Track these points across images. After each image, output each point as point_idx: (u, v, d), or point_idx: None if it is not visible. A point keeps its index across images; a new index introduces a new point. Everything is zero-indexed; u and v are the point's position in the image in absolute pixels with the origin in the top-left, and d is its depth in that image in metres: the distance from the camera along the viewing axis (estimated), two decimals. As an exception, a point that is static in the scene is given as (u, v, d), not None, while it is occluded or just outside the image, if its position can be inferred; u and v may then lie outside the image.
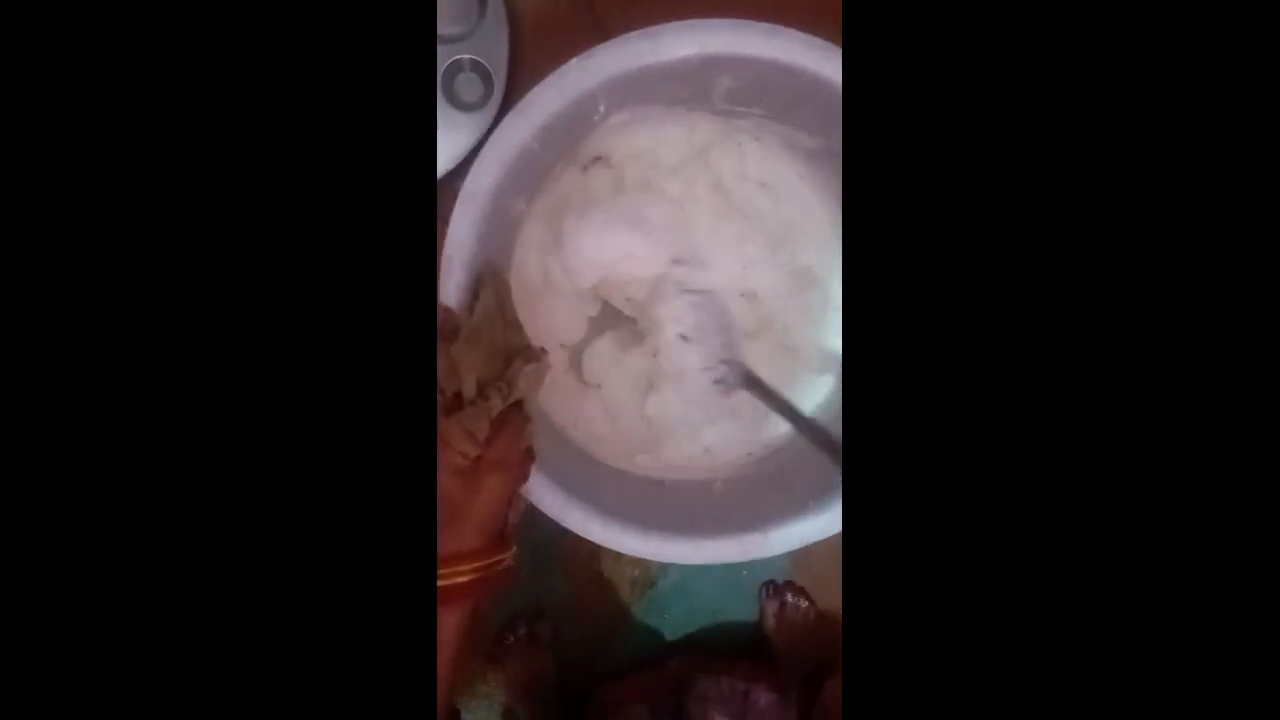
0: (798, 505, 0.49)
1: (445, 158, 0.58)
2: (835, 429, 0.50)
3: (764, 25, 0.43)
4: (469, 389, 0.39)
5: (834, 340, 0.55)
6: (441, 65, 0.58)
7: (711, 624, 0.77)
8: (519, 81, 0.60)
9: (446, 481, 0.37)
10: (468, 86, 0.60)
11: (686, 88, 0.46)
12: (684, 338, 0.53)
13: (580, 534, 0.48)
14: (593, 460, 0.53)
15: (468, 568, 0.35)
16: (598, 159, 0.52)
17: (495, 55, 0.59)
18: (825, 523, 0.49)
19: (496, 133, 0.43)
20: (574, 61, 0.42)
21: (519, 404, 0.41)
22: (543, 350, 0.44)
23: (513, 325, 0.43)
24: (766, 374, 0.53)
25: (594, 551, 0.74)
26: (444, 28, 0.58)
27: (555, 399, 0.53)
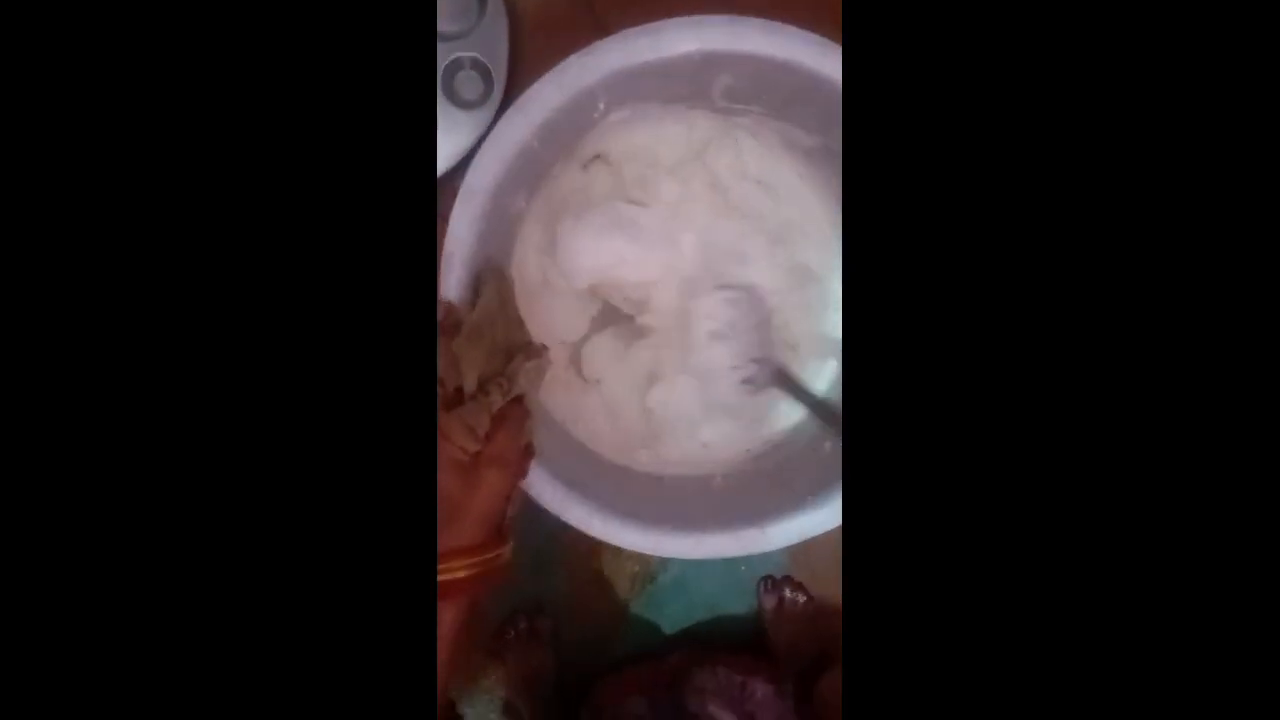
0: (796, 500, 0.49)
1: (445, 156, 0.58)
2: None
3: (763, 22, 0.43)
4: (470, 384, 0.39)
5: (833, 337, 0.55)
6: (441, 63, 0.58)
7: (710, 619, 0.77)
8: (519, 79, 0.60)
9: (446, 476, 0.37)
10: (467, 84, 0.60)
11: (686, 85, 0.47)
12: (715, 335, 0.53)
13: (581, 529, 0.48)
14: (593, 456, 0.54)
15: (466, 563, 0.36)
16: (597, 157, 0.52)
17: (495, 53, 0.59)
18: (824, 518, 0.49)
19: (496, 130, 0.43)
20: (573, 58, 0.42)
21: (519, 400, 0.42)
22: (544, 346, 0.44)
23: (514, 321, 0.44)
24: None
25: (594, 547, 0.74)
26: (444, 25, 0.58)
27: (555, 395, 0.53)
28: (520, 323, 0.44)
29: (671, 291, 0.53)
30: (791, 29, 0.43)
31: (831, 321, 0.55)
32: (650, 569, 0.75)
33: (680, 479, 0.55)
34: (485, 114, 0.59)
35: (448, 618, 0.35)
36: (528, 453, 0.43)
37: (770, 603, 0.75)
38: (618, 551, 0.74)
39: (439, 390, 0.39)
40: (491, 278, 0.44)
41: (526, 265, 0.51)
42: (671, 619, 0.76)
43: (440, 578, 0.35)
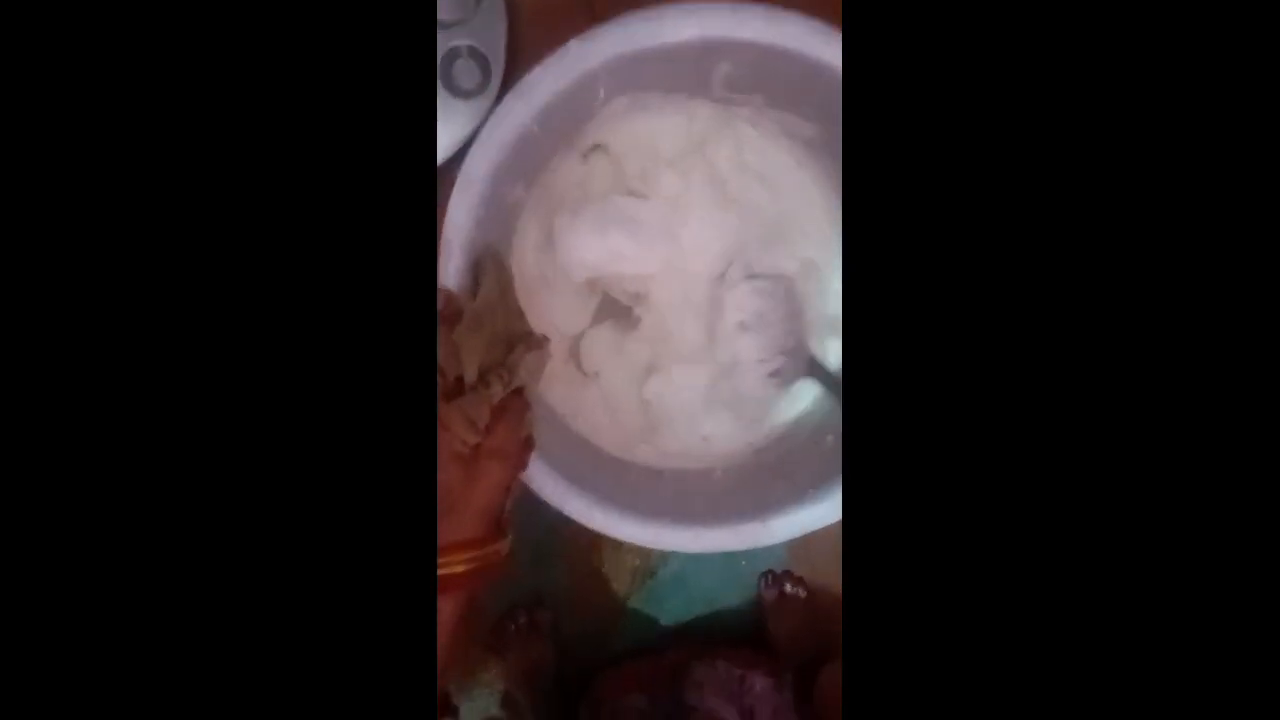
0: (798, 494, 0.49)
1: (443, 145, 0.58)
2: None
3: (764, 8, 0.42)
4: (470, 374, 0.39)
5: (833, 330, 0.55)
6: (439, 52, 0.58)
7: (710, 613, 0.77)
8: (517, 69, 0.60)
9: (446, 468, 0.37)
10: (465, 73, 0.60)
11: (686, 73, 0.46)
12: (743, 326, 0.52)
13: (581, 522, 0.47)
14: (593, 450, 0.53)
15: (465, 557, 0.35)
16: (597, 147, 0.51)
17: (493, 42, 0.58)
18: (825, 511, 0.49)
19: (495, 115, 0.42)
20: (573, 43, 0.42)
21: (520, 391, 0.41)
22: (545, 338, 0.44)
23: (515, 312, 0.43)
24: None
25: (594, 542, 0.74)
26: (441, 13, 0.58)
27: (555, 389, 0.53)
28: (521, 313, 0.44)
29: (671, 284, 0.53)
30: (793, 16, 0.42)
31: (831, 313, 0.55)
32: (650, 564, 0.75)
33: (680, 472, 0.54)
34: (483, 104, 0.59)
35: (446, 611, 0.35)
36: (527, 445, 0.43)
37: (771, 597, 0.75)
38: (617, 546, 0.74)
39: (439, 380, 0.39)
40: (492, 266, 0.43)
41: (525, 258, 0.51)
42: (671, 614, 0.76)
43: (439, 572, 0.34)
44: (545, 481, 0.46)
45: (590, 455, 0.53)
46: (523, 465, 0.43)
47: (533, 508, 0.46)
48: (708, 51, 0.44)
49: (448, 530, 0.36)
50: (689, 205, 0.52)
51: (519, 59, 0.60)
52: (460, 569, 0.35)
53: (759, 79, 0.47)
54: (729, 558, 0.76)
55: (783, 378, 0.51)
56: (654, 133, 0.51)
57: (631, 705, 0.61)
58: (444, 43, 0.58)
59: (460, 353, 0.39)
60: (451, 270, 0.43)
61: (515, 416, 0.40)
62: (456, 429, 0.37)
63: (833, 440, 0.51)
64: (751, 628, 0.76)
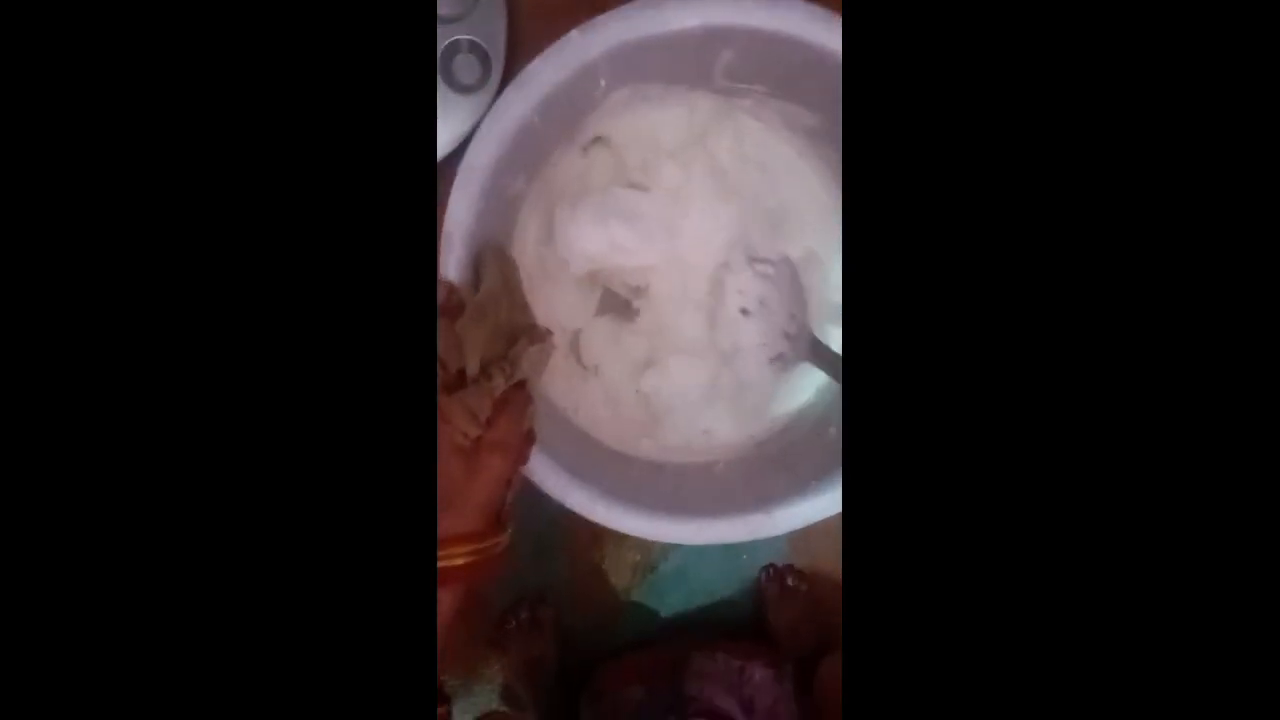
0: (800, 486, 0.49)
1: (443, 141, 0.57)
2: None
3: (767, -5, 0.42)
4: (473, 366, 0.39)
5: (834, 320, 0.55)
6: (439, 46, 0.58)
7: (711, 606, 0.77)
8: (517, 63, 0.60)
9: (447, 460, 0.37)
10: (465, 68, 0.59)
11: (688, 63, 0.46)
12: (745, 312, 0.52)
13: (584, 515, 0.47)
14: (595, 444, 0.53)
15: (465, 550, 0.35)
16: (598, 139, 0.51)
17: (493, 36, 0.58)
18: (828, 503, 0.49)
19: (496, 106, 0.42)
20: (574, 33, 0.42)
21: (522, 384, 0.41)
22: (547, 331, 0.44)
23: (518, 305, 0.43)
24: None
25: (596, 536, 0.74)
26: (441, 7, 0.58)
27: (556, 383, 0.53)
28: (524, 306, 0.44)
29: (672, 277, 0.53)
30: (795, 2, 0.42)
31: (831, 304, 0.54)
32: (651, 558, 0.75)
33: (682, 466, 0.54)
34: (483, 98, 0.58)
35: (446, 604, 0.35)
36: (529, 438, 0.43)
37: (772, 590, 0.75)
38: (619, 541, 0.74)
39: (441, 372, 0.39)
40: (494, 259, 0.43)
41: (525, 252, 0.51)
42: (672, 607, 0.76)
43: (439, 564, 0.34)
44: (547, 474, 0.46)
45: (592, 449, 0.53)
46: (524, 459, 0.43)
47: (534, 501, 0.46)
48: (710, 39, 0.43)
49: (449, 523, 0.35)
50: (690, 197, 0.52)
51: (519, 53, 0.60)
52: (460, 562, 0.35)
53: (761, 67, 0.46)
54: (730, 551, 0.76)
55: (784, 362, 0.51)
56: (655, 124, 0.51)
57: (631, 697, 0.61)
58: (444, 37, 0.58)
59: (463, 345, 0.39)
60: (453, 263, 0.43)
61: (517, 409, 0.40)
62: (458, 421, 0.37)
63: (835, 432, 0.51)
64: (752, 621, 0.76)
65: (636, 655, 0.69)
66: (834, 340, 0.53)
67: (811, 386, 0.55)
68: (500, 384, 0.39)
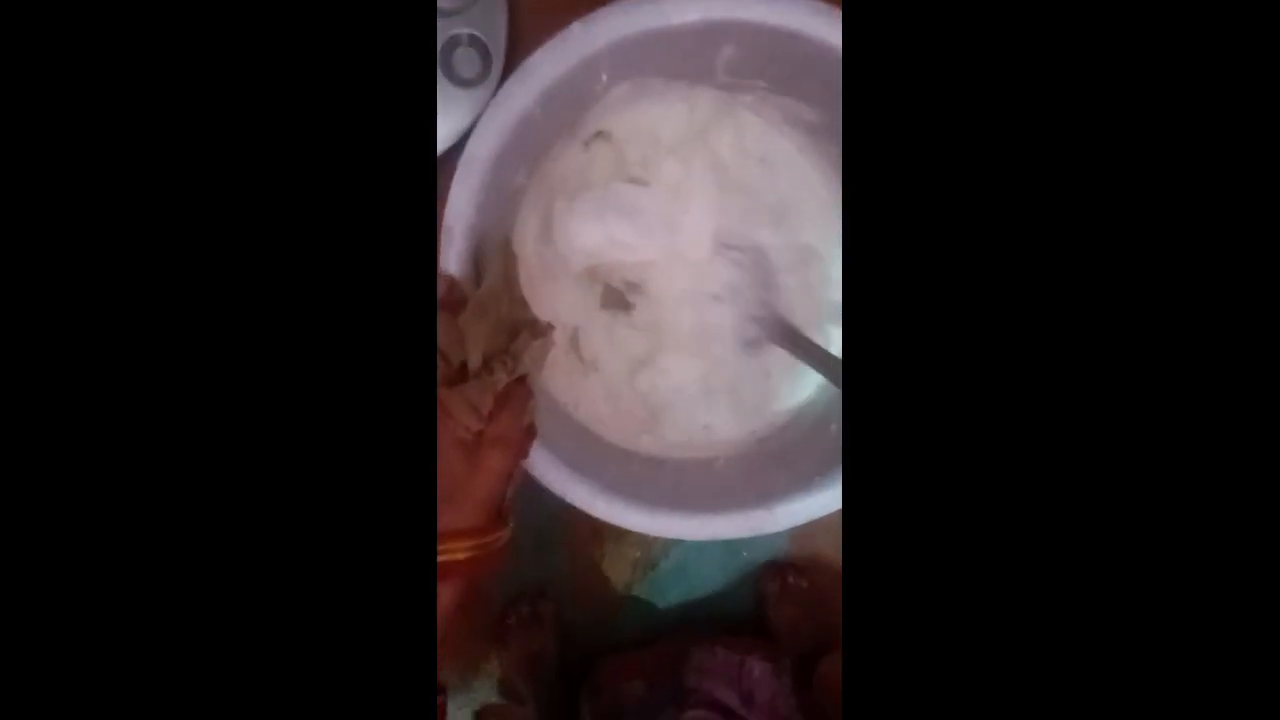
0: (802, 482, 0.49)
1: (443, 135, 0.57)
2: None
3: (768, -11, 0.42)
4: (474, 361, 0.39)
5: (834, 317, 0.55)
6: (439, 40, 0.57)
7: (711, 602, 0.77)
8: (518, 58, 0.59)
9: (448, 455, 0.37)
10: (465, 62, 0.59)
11: (689, 58, 0.46)
12: (715, 298, 0.52)
13: (584, 510, 0.47)
14: (596, 439, 0.53)
15: (465, 545, 0.35)
16: (599, 134, 0.51)
17: (494, 30, 0.58)
18: (829, 499, 0.49)
19: (497, 98, 0.42)
20: (575, 25, 0.42)
21: (523, 379, 0.41)
22: (549, 325, 0.43)
23: (519, 299, 0.43)
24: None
25: (596, 532, 0.74)
26: (441, 1, 0.58)
27: (556, 379, 0.53)
28: (525, 301, 0.44)
29: (671, 273, 0.53)
30: (797, -4, 0.42)
31: (831, 301, 0.54)
32: (651, 554, 0.75)
33: (683, 461, 0.54)
34: (483, 93, 0.58)
35: (446, 599, 0.35)
36: (530, 433, 0.43)
37: (773, 587, 0.75)
38: (619, 539, 0.74)
39: (443, 366, 0.39)
40: (497, 253, 0.43)
41: (526, 246, 0.51)
42: (672, 602, 0.76)
43: (439, 558, 0.34)
44: (548, 469, 0.46)
45: (593, 444, 0.53)
46: (525, 453, 0.43)
47: (535, 495, 0.46)
48: (711, 33, 0.43)
49: (449, 517, 0.36)
50: (690, 193, 0.51)
51: (520, 48, 0.60)
52: (460, 556, 0.35)
53: (762, 62, 0.46)
54: (730, 548, 0.76)
55: (755, 345, 0.51)
56: (656, 120, 0.51)
57: (632, 691, 0.61)
58: (444, 31, 0.57)
59: (464, 339, 0.39)
60: (453, 256, 0.43)
61: (518, 404, 0.40)
62: (459, 416, 0.37)
63: (836, 429, 0.51)
64: (752, 617, 0.76)
65: (637, 650, 0.70)
66: (833, 339, 0.53)
67: (813, 383, 0.55)
68: (502, 378, 0.39)
